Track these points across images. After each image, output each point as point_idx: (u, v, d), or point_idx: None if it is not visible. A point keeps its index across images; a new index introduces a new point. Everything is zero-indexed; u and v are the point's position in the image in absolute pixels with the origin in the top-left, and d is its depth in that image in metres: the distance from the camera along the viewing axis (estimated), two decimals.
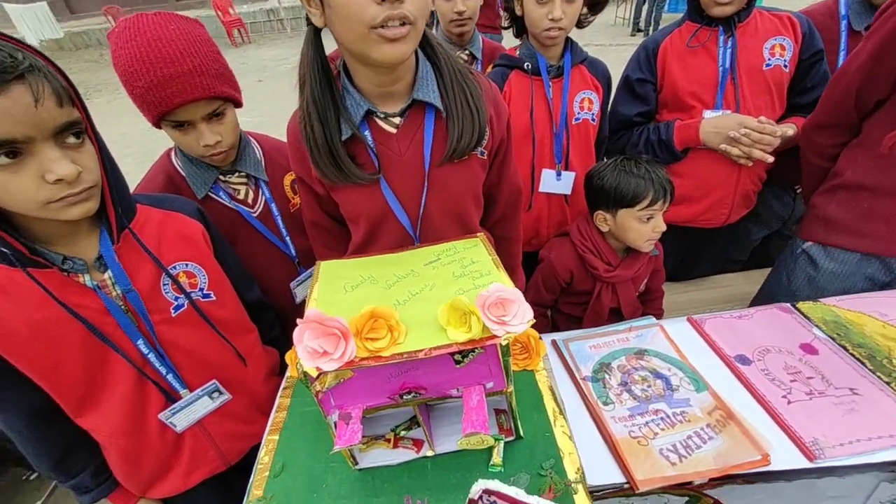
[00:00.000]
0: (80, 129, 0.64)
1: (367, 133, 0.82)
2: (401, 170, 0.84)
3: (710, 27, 1.24)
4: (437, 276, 0.68)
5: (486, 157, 0.91)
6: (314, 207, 0.95)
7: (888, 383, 0.81)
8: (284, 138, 1.03)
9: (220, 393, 0.90)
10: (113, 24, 9.37)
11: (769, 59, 1.23)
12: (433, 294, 0.64)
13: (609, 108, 1.41)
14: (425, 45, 0.82)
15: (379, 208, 0.86)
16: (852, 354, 0.88)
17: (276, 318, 1.10)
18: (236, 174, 1.03)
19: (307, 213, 0.97)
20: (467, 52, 1.55)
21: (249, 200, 1.05)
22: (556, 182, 1.33)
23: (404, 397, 0.64)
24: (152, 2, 11.31)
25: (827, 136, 1.14)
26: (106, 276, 0.74)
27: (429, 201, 0.86)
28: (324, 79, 0.78)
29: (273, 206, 1.07)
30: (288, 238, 1.10)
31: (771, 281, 1.35)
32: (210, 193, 0.99)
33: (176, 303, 0.81)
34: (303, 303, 1.17)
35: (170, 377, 0.82)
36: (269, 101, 5.72)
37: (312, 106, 0.78)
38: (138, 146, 4.64)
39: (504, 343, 0.55)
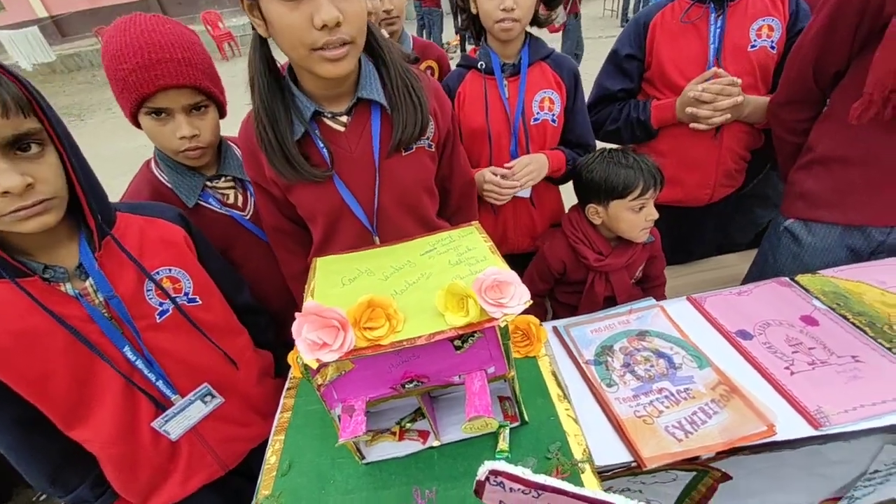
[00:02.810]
0: (37, 140, 0.63)
1: (316, 132, 0.84)
2: (352, 165, 0.87)
3: (702, 4, 1.23)
4: (433, 265, 0.68)
5: (434, 150, 0.94)
6: (273, 211, 0.96)
7: (890, 349, 0.82)
8: None
9: (213, 396, 0.89)
10: None
11: (755, 41, 1.22)
12: (430, 282, 0.64)
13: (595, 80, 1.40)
14: (370, 40, 0.83)
15: (335, 205, 0.89)
16: (853, 323, 0.88)
17: (270, 321, 1.09)
18: (223, 178, 1.02)
19: (266, 217, 0.99)
20: None
21: (240, 204, 1.05)
22: None
23: (406, 386, 0.64)
24: None
25: (791, 112, 1.14)
26: (87, 283, 0.74)
27: (382, 194, 0.89)
28: (272, 82, 0.81)
29: None
30: None
31: (757, 261, 1.35)
32: (199, 201, 0.99)
33: (160, 308, 0.81)
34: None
35: (160, 384, 0.82)
36: None
37: (262, 108, 0.81)
38: (130, 164, 4.63)
39: (503, 325, 0.56)
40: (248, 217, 1.05)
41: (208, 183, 1.00)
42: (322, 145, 0.84)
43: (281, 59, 0.85)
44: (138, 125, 0.92)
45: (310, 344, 0.53)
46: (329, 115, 0.85)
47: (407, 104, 0.84)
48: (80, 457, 0.82)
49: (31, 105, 0.62)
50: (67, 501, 0.84)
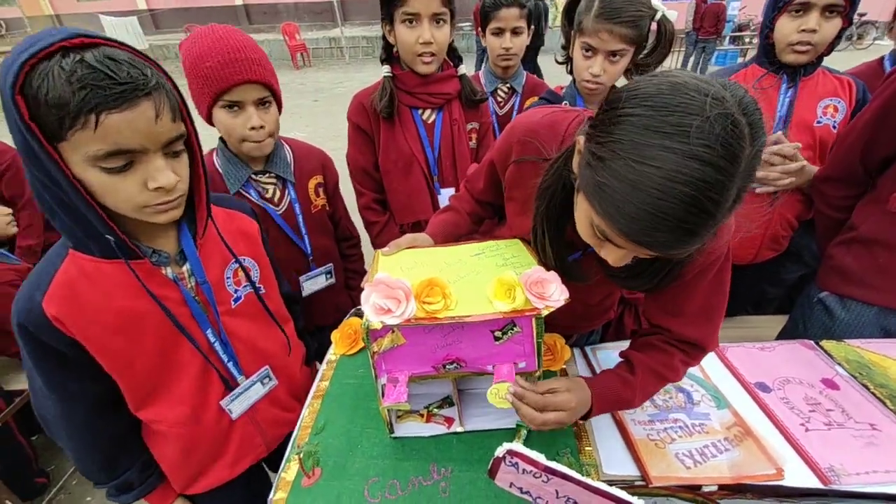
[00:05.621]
0: (184, 141, 0.69)
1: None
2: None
3: (776, 74, 1.29)
4: (481, 265, 0.76)
5: None
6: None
7: None
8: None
9: (270, 378, 0.93)
10: None
11: (821, 118, 1.26)
12: (479, 278, 0.72)
13: None
14: None
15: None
16: (873, 393, 0.89)
17: (302, 311, 1.14)
18: (267, 174, 1.12)
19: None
20: (508, 85, 1.60)
21: (276, 199, 1.14)
22: None
23: (447, 367, 0.72)
24: (227, 21, 12.40)
25: (834, 189, 1.17)
26: (184, 268, 0.78)
27: None
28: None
29: (296, 206, 1.16)
30: (306, 237, 1.21)
31: (787, 328, 1.36)
32: (241, 190, 1.08)
33: (235, 294, 0.86)
34: (308, 296, 1.25)
35: (230, 365, 0.85)
36: (322, 119, 6.12)
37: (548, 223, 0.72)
38: None
39: (544, 313, 0.63)
40: (280, 213, 1.15)
41: (253, 176, 1.10)
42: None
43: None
44: (211, 122, 1.03)
45: (377, 308, 0.62)
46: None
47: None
48: (135, 439, 0.85)
49: (181, 111, 0.68)
50: (110, 486, 0.83)
